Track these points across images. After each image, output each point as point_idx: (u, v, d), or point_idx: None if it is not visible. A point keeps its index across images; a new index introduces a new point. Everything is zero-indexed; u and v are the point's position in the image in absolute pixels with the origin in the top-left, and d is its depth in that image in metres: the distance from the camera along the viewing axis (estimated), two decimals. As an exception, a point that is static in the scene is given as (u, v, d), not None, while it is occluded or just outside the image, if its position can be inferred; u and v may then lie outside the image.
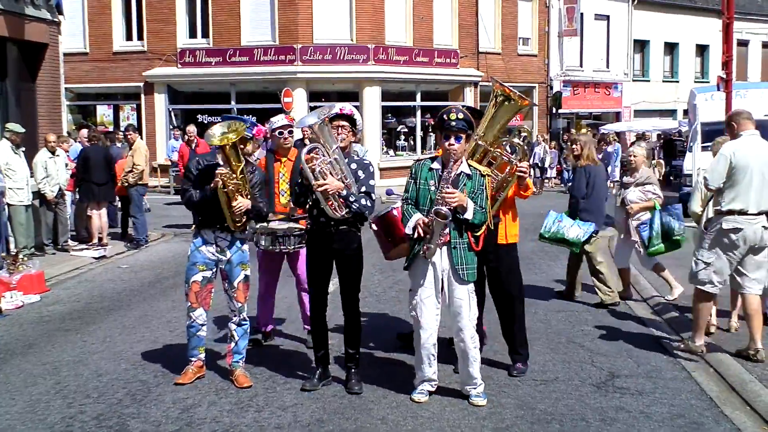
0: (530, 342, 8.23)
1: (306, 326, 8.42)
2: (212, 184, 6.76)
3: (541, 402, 6.64)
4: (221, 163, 6.90)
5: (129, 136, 16.46)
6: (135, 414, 6.41)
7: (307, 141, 9.32)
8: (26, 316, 10.06)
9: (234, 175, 6.82)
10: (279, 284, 8.51)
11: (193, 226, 7.49)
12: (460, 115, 6.37)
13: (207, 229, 7.08)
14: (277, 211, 7.95)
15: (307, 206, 6.92)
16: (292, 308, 9.41)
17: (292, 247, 7.69)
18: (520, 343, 7.54)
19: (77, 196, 15.48)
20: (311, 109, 21.94)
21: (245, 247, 7.23)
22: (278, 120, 8.23)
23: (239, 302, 7.18)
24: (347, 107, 7.10)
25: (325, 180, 6.47)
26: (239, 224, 7.00)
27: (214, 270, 7.15)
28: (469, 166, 6.49)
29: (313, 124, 6.54)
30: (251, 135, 7.17)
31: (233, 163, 6.82)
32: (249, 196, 6.95)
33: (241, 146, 7.00)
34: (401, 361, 7.76)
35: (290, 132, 8.18)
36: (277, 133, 8.13)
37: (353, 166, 6.83)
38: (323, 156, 6.54)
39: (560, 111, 35.80)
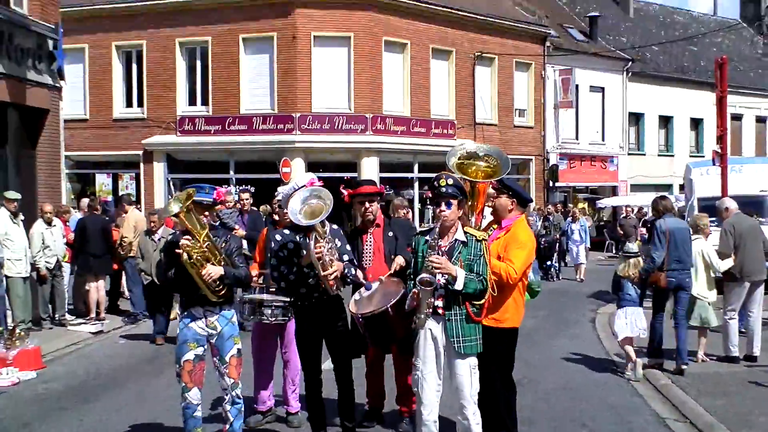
0: (532, 421, 8.20)
1: (285, 406, 8.39)
2: (180, 256, 6.67)
3: (546, 487, 6.55)
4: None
5: (123, 207, 16.36)
6: (132, 498, 6.31)
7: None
8: (22, 393, 9.96)
9: (198, 244, 6.73)
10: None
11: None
12: (450, 181, 6.41)
13: (195, 306, 6.98)
14: (271, 283, 7.90)
15: (292, 286, 6.85)
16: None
17: (276, 318, 7.64)
18: (497, 423, 7.21)
19: (75, 268, 15.35)
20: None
21: (234, 319, 7.11)
22: (282, 193, 8.16)
23: (232, 378, 7.01)
24: (314, 179, 7.12)
25: (332, 267, 6.46)
26: (219, 293, 6.86)
27: (206, 346, 7.02)
28: (465, 233, 6.45)
29: (315, 223, 6.51)
30: (211, 200, 7.06)
31: (194, 231, 6.75)
32: (222, 263, 6.84)
33: (205, 213, 6.99)
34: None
35: None
36: (277, 207, 8.12)
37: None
38: (323, 243, 6.53)
39: (557, 184, 35.90)
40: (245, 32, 28.93)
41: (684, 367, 10.42)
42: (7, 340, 10.99)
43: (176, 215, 6.75)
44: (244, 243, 11.97)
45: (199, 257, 6.73)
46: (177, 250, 6.65)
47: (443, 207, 6.34)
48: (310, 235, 6.55)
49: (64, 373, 11.12)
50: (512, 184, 7.51)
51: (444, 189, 6.36)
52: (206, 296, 6.86)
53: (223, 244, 7.00)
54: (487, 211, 7.63)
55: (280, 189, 8.32)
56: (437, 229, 6.38)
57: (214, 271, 6.73)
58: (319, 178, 7.29)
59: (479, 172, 7.18)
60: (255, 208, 14.56)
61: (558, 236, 24.37)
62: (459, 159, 7.28)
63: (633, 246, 11.56)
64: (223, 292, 6.90)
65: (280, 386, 8.47)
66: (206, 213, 7.02)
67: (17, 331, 11.41)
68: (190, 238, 6.75)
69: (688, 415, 8.62)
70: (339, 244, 6.83)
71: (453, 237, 6.41)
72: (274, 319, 7.64)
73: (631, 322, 10.60)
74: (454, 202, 6.36)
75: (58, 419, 8.68)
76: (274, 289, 7.79)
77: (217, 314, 6.99)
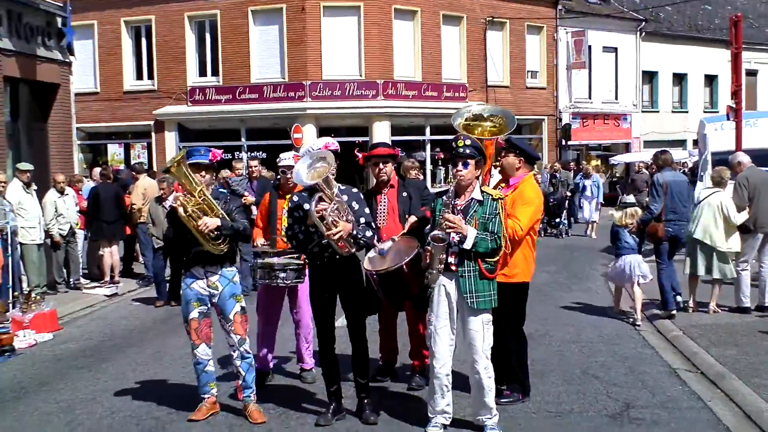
0: (543, 374, 8.24)
1: (300, 363, 8.47)
2: (176, 210, 6.84)
3: (557, 434, 6.59)
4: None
5: (133, 175, 16.52)
6: (148, 451, 6.40)
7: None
8: (39, 354, 10.07)
9: (194, 199, 6.84)
10: (286, 319, 8.47)
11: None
12: (468, 142, 6.46)
13: (196, 265, 7.08)
14: (279, 248, 7.95)
15: (302, 244, 6.91)
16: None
17: (290, 281, 7.67)
18: (509, 376, 7.36)
19: (89, 234, 15.51)
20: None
21: (236, 278, 7.19)
22: (285, 158, 8.20)
23: (238, 335, 7.09)
24: (331, 143, 7.13)
25: (337, 227, 6.49)
26: (219, 245, 6.92)
27: (209, 305, 7.12)
28: (482, 192, 6.49)
29: (317, 183, 6.53)
30: (207, 160, 7.15)
31: (189, 186, 6.88)
32: (221, 217, 6.92)
33: (202, 173, 7.04)
34: (415, 395, 7.71)
35: None
36: (280, 171, 8.13)
37: (345, 198, 6.82)
38: (328, 203, 6.55)
39: (569, 143, 35.82)
40: (254, 4, 28.94)
41: (680, 299, 11.11)
42: (23, 304, 11.17)
43: (168, 170, 6.92)
44: (254, 209, 12.03)
45: (195, 210, 6.82)
46: (172, 204, 6.81)
47: (460, 167, 6.40)
48: (316, 195, 6.58)
49: (79, 334, 11.24)
50: (519, 142, 7.54)
51: (461, 149, 6.41)
52: (206, 256, 6.96)
53: (223, 205, 7.07)
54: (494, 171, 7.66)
55: (282, 155, 8.35)
56: (452, 188, 6.43)
57: (210, 221, 6.81)
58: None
59: (485, 132, 7.19)
60: (265, 175, 14.61)
61: (567, 193, 24.13)
62: (465, 120, 7.29)
63: (629, 197, 12.36)
64: (222, 245, 6.94)
65: (284, 346, 8.56)
66: (203, 173, 7.06)
67: (33, 295, 11.62)
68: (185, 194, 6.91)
69: (699, 366, 8.64)
70: (357, 206, 6.83)
71: (469, 196, 6.44)
72: (290, 281, 7.69)
73: (632, 269, 11.16)
74: (471, 162, 6.40)
75: (76, 378, 8.78)
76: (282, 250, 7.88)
77: (217, 274, 7.06)
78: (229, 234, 6.93)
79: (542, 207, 7.62)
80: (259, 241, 8.26)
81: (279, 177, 8.46)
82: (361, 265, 6.99)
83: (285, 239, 7.90)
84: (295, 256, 7.69)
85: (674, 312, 10.92)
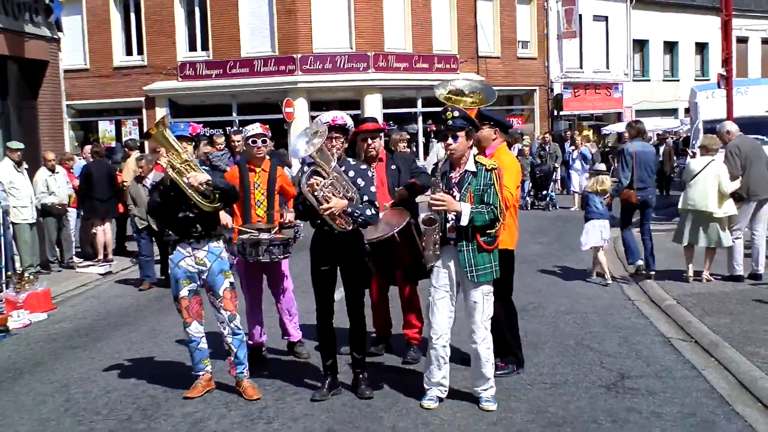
0: (537, 346, 8.27)
1: (286, 337, 8.44)
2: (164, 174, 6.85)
3: (552, 405, 6.60)
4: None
5: (126, 152, 16.44)
6: (145, 429, 6.40)
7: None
8: (34, 334, 10.05)
9: (179, 159, 6.82)
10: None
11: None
12: (456, 113, 6.40)
13: (182, 242, 7.05)
14: (253, 222, 7.91)
15: (303, 215, 6.91)
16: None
17: (282, 255, 7.65)
18: (503, 349, 7.32)
19: (82, 213, 15.45)
20: (312, 119, 22.00)
21: (224, 254, 7.16)
22: (252, 128, 8.07)
23: (228, 311, 7.07)
24: (339, 117, 7.08)
25: (329, 203, 6.46)
26: (210, 204, 6.85)
27: (198, 282, 7.09)
28: (476, 162, 6.44)
29: (311, 155, 6.49)
30: (187, 134, 7.13)
31: (172, 149, 6.85)
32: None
33: (185, 145, 6.99)
34: (410, 368, 7.73)
35: (264, 141, 8.00)
36: (250, 141, 8.01)
37: (351, 174, 6.76)
38: (323, 178, 6.52)
39: (561, 113, 35.79)
40: (242, -24, 28.65)
41: (653, 273, 11.72)
42: (16, 284, 11.12)
43: (148, 134, 6.99)
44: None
45: (183, 166, 6.79)
46: (159, 162, 6.80)
47: (450, 140, 6.35)
48: (309, 169, 6.56)
49: (74, 313, 11.22)
50: (491, 113, 7.57)
51: (450, 122, 6.35)
52: (192, 224, 6.92)
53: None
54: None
55: (248, 126, 8.24)
56: (440, 164, 6.41)
57: (199, 175, 6.76)
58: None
59: (465, 106, 7.25)
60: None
61: (555, 165, 24.04)
62: (447, 93, 7.32)
63: (601, 164, 13.31)
64: (214, 203, 6.88)
65: (277, 323, 8.57)
66: (184, 145, 7.02)
67: (26, 275, 11.58)
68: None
69: (692, 335, 8.68)
70: (362, 183, 6.76)
71: (463, 168, 6.40)
72: (281, 256, 7.68)
73: (598, 232, 11.89)
74: (461, 134, 6.35)
75: (71, 357, 8.77)
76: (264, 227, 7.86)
77: (204, 250, 7.03)
78: (220, 188, 6.86)
79: (521, 171, 7.74)
80: (226, 219, 8.08)
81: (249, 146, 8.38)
82: (363, 238, 6.97)
83: (259, 214, 7.96)
84: (265, 229, 7.73)
85: (640, 262, 11.85)
